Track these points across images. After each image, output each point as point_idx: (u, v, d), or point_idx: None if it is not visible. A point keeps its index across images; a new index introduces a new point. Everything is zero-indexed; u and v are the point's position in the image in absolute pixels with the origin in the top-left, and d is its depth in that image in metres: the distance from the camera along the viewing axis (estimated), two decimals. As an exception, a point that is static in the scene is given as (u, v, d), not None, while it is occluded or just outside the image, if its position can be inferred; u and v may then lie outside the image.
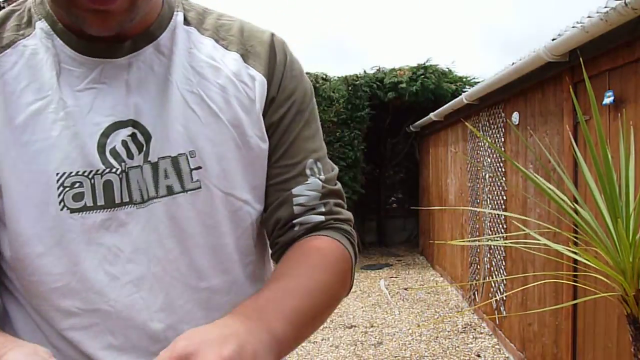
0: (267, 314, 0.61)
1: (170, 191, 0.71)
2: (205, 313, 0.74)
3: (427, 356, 4.21)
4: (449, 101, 6.18)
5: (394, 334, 4.72)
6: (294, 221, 0.77)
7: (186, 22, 0.77)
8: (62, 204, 0.67)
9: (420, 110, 8.12)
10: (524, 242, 2.63)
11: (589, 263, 1.41)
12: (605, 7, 2.32)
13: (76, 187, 0.68)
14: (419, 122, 7.73)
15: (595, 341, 2.72)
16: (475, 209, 4.99)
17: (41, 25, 0.71)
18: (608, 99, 2.49)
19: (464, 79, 8.63)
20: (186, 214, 0.72)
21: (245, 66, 0.77)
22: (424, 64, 8.34)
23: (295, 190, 0.77)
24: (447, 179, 6.54)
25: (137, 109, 0.71)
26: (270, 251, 0.84)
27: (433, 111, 6.66)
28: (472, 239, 5.18)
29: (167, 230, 0.71)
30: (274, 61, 0.79)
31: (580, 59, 1.97)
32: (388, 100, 8.10)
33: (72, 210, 0.68)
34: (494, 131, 4.52)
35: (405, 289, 6.29)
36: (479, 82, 6.10)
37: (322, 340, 4.62)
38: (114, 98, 0.70)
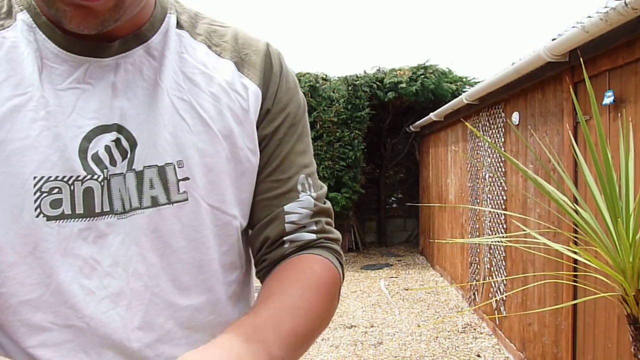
0: (267, 335, 0.59)
1: (155, 202, 0.66)
2: (186, 332, 0.70)
3: (427, 356, 4.21)
4: (449, 101, 6.19)
5: (394, 334, 4.73)
6: (284, 238, 0.75)
7: (178, 25, 0.73)
8: (38, 210, 0.62)
9: (420, 110, 8.13)
10: (524, 242, 2.63)
11: (589, 263, 1.41)
12: (605, 7, 2.32)
13: (54, 193, 0.63)
14: (419, 122, 7.74)
15: (595, 341, 2.73)
16: (476, 207, 4.99)
17: (22, 16, 0.66)
18: (608, 99, 2.49)
19: (464, 79, 8.64)
20: (171, 227, 0.68)
21: (239, 75, 0.74)
22: (424, 64, 8.35)
23: (287, 208, 0.75)
24: (447, 179, 6.54)
25: (123, 113, 0.66)
26: (254, 269, 0.80)
27: (433, 111, 6.67)
28: (472, 238, 5.18)
29: (149, 243, 0.67)
30: (270, 72, 0.76)
31: (580, 59, 1.97)
32: (388, 100, 8.11)
33: (49, 218, 0.63)
34: (494, 131, 4.52)
35: (406, 289, 6.29)
36: (479, 82, 6.10)
37: (322, 340, 4.62)
38: (98, 100, 0.66)
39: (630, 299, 1.33)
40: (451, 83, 8.35)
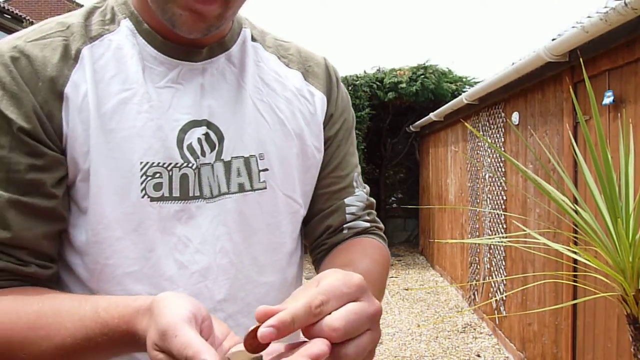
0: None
1: (241, 188, 0.76)
2: None
3: (427, 356, 4.21)
4: (449, 101, 6.18)
5: (394, 334, 4.72)
6: (344, 226, 0.86)
7: (252, 38, 0.84)
8: (143, 191, 0.70)
9: (420, 110, 8.12)
10: (523, 242, 2.63)
11: (588, 263, 1.41)
12: (605, 7, 2.32)
13: (157, 177, 0.71)
14: (419, 122, 7.74)
15: (595, 341, 2.73)
16: (475, 208, 4.99)
17: (126, 23, 0.75)
18: (608, 99, 2.49)
19: (464, 79, 8.64)
20: (253, 211, 0.77)
21: (306, 84, 0.85)
22: (424, 64, 8.35)
23: (347, 201, 0.87)
24: (447, 179, 6.54)
25: (211, 111, 0.76)
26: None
27: (433, 111, 6.67)
28: (472, 239, 5.18)
29: (235, 224, 0.76)
30: (330, 82, 0.88)
31: (580, 59, 1.97)
32: (388, 100, 8.11)
33: (152, 199, 0.71)
34: (494, 131, 4.52)
35: (406, 289, 6.29)
36: (479, 82, 6.10)
37: (322, 340, 4.61)
38: (190, 98, 0.75)
39: (630, 299, 1.33)
40: (451, 83, 8.34)
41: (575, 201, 1.57)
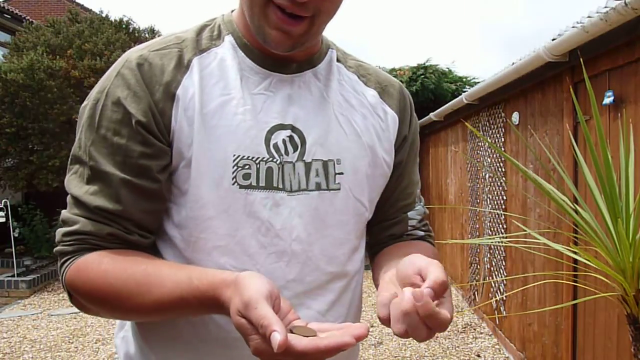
0: None
1: (318, 187, 0.87)
2: (322, 292, 0.90)
3: (427, 356, 4.21)
4: (449, 101, 6.18)
5: (394, 334, 4.72)
6: (405, 234, 1.02)
7: (337, 59, 0.96)
8: (234, 180, 0.82)
9: (420, 110, 8.12)
10: (524, 242, 2.63)
11: (588, 263, 1.41)
12: (605, 7, 2.32)
13: (246, 169, 0.83)
14: (418, 122, 7.73)
15: (595, 341, 2.72)
16: (475, 208, 4.99)
17: (229, 39, 0.89)
18: (608, 99, 2.49)
19: (464, 79, 8.64)
20: (326, 208, 0.88)
21: (381, 102, 0.97)
22: (424, 64, 8.35)
23: (410, 214, 1.02)
24: (447, 179, 6.54)
25: (296, 117, 0.87)
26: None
27: (433, 111, 6.66)
28: (472, 239, 5.18)
29: (310, 218, 0.87)
30: (404, 105, 1.00)
31: (580, 59, 1.96)
32: (388, 100, 8.09)
33: (241, 187, 0.83)
34: (494, 131, 4.52)
35: (405, 289, 6.29)
36: (479, 82, 6.10)
37: (322, 340, 4.61)
38: (278, 105, 0.86)
39: (630, 299, 1.33)
40: (451, 83, 8.35)
41: (575, 201, 1.57)
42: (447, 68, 8.54)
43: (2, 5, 10.67)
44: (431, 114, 6.70)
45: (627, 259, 1.30)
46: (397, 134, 0.97)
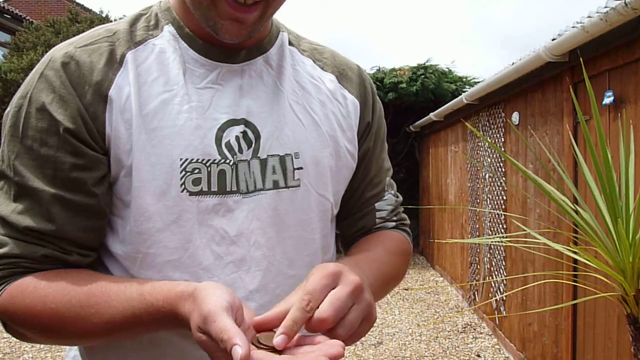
0: (364, 267, 0.76)
1: (275, 185, 0.80)
2: None
3: (427, 356, 4.21)
4: (449, 101, 6.18)
5: (394, 334, 4.72)
6: (373, 227, 0.94)
7: (289, 42, 0.88)
8: (183, 186, 0.75)
9: (420, 110, 8.12)
10: (524, 242, 2.63)
11: (588, 263, 1.41)
12: (605, 7, 2.32)
13: (195, 173, 0.75)
14: (419, 122, 7.73)
15: (595, 341, 2.73)
16: (475, 208, 4.99)
17: (168, 28, 0.80)
18: (608, 99, 2.49)
19: (464, 79, 8.63)
20: (286, 207, 0.81)
21: (340, 87, 0.89)
22: (424, 64, 8.34)
23: (377, 205, 0.94)
24: (447, 179, 6.54)
25: (249, 111, 0.79)
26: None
27: (433, 111, 6.66)
28: (472, 239, 5.18)
29: (269, 220, 0.80)
30: (364, 88, 0.92)
31: (580, 59, 1.97)
32: (388, 100, 8.10)
33: (191, 193, 0.75)
34: (494, 131, 4.52)
35: (405, 289, 6.29)
36: (479, 82, 6.10)
37: (322, 340, 4.61)
38: (229, 98, 0.79)
39: (630, 299, 1.33)
40: (451, 83, 8.34)
41: (575, 201, 1.57)
42: (447, 68, 8.53)
43: (2, 5, 10.67)
44: (431, 114, 6.70)
45: (627, 259, 1.30)
46: (359, 121, 0.89)
